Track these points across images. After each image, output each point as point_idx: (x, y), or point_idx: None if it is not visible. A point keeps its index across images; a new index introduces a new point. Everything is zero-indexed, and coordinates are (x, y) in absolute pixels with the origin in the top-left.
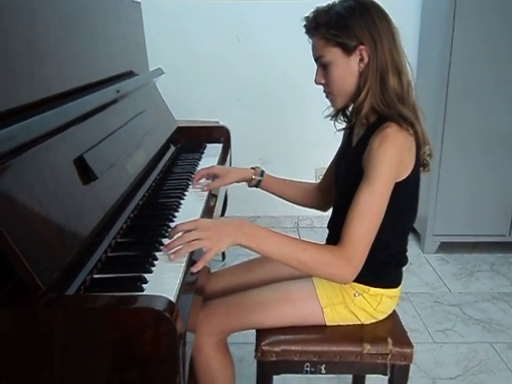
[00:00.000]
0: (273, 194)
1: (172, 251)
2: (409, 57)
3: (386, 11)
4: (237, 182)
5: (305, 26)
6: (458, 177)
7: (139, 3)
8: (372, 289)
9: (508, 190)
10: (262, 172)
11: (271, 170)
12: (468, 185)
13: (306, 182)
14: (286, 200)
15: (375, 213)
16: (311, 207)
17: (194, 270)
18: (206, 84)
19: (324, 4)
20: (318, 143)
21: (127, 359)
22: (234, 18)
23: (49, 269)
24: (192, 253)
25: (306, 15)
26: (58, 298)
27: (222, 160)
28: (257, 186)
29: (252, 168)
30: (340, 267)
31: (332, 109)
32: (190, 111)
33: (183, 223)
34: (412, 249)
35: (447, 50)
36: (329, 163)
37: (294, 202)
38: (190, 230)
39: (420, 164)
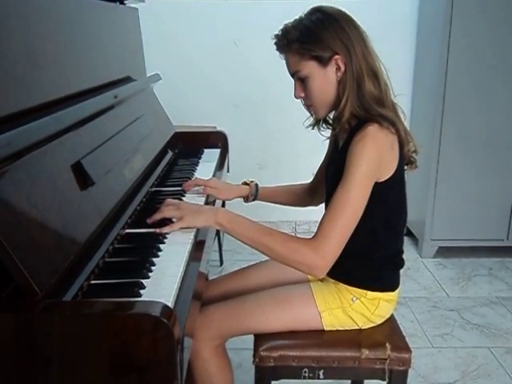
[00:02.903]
0: (267, 202)
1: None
2: (406, 57)
3: (352, 17)
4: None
5: (275, 43)
6: (455, 181)
7: (136, 9)
8: (369, 293)
9: (506, 194)
10: (257, 186)
11: (269, 175)
12: (466, 189)
13: (297, 185)
14: (281, 205)
15: (350, 208)
16: (305, 206)
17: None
18: (204, 89)
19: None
20: (315, 148)
21: (125, 365)
22: (231, 24)
23: (46, 274)
24: (190, 259)
25: (276, 33)
26: (55, 304)
27: (220, 165)
28: (253, 200)
29: (245, 183)
30: (307, 256)
31: (311, 119)
32: (187, 116)
33: (171, 200)
34: (410, 253)
35: (444, 50)
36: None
37: (288, 205)
38: (176, 205)
39: (404, 162)
